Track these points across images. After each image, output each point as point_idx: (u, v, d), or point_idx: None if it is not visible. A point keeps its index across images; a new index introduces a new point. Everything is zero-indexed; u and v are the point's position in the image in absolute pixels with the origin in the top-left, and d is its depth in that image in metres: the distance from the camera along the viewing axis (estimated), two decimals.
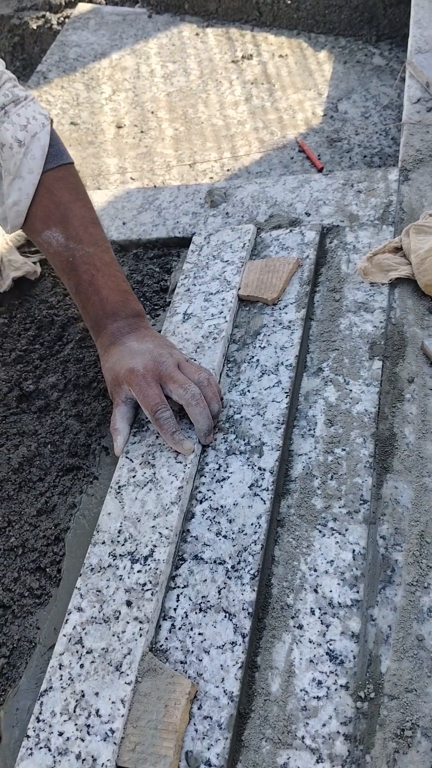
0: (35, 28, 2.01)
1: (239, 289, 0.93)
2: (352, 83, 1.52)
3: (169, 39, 1.78)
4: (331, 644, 0.62)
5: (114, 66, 1.72)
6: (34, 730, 0.63)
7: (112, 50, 1.78)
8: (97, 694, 0.63)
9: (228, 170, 1.39)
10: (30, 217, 0.89)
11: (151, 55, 1.73)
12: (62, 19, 2.00)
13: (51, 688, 0.65)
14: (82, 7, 1.98)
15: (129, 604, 0.67)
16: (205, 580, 0.68)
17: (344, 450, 0.74)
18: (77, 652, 0.66)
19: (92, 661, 0.65)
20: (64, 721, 0.62)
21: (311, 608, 0.64)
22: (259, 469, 0.74)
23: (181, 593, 0.68)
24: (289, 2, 1.70)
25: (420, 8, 1.33)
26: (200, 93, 1.59)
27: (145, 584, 0.68)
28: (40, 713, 0.63)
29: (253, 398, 0.81)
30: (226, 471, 0.76)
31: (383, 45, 1.63)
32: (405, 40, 1.56)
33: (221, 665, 0.62)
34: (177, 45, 1.75)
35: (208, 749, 0.58)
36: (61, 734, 0.62)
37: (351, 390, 0.79)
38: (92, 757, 0.59)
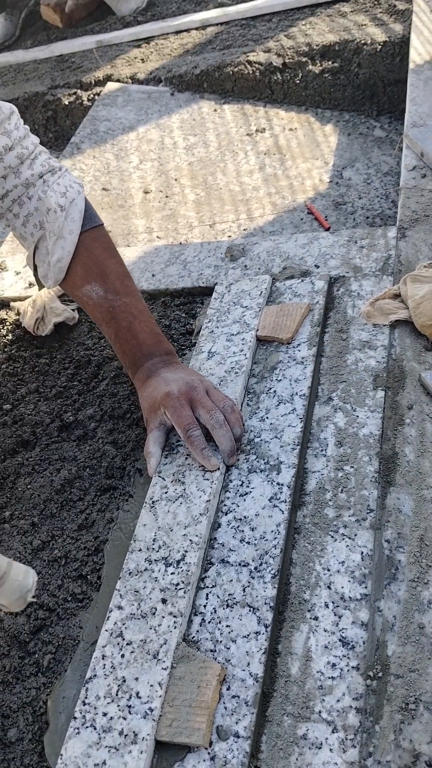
0: (67, 103, 2.21)
1: (257, 330, 1.05)
2: (356, 153, 1.68)
3: (190, 114, 1.97)
4: (343, 632, 0.70)
5: (141, 138, 1.91)
6: (81, 712, 0.71)
7: (139, 124, 1.97)
8: (137, 679, 0.71)
9: (244, 230, 1.53)
10: (71, 274, 1.00)
11: (174, 129, 1.92)
12: (92, 96, 2.20)
13: (95, 675, 0.73)
14: (111, 86, 2.19)
15: (164, 601, 0.76)
16: (231, 580, 0.77)
17: (352, 467, 0.84)
18: (118, 644, 0.74)
19: (132, 651, 0.73)
20: (108, 703, 0.70)
21: (325, 602, 0.73)
22: (278, 484, 0.84)
23: (210, 592, 0.77)
24: (298, 82, 1.88)
25: (415, 88, 1.49)
26: (218, 162, 1.75)
27: (178, 584, 0.77)
28: (86, 697, 0.71)
29: (271, 424, 0.92)
30: (248, 486, 0.86)
31: (383, 119, 1.80)
32: (403, 115, 1.73)
33: (247, 652, 0.70)
34: (197, 120, 1.94)
35: (237, 723, 0.66)
36: (105, 714, 0.70)
37: (358, 416, 0.89)
38: (134, 732, 0.67)
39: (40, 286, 1.06)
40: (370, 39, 1.80)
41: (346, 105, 1.85)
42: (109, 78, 2.22)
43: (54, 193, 0.97)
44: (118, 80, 2.21)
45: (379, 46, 1.77)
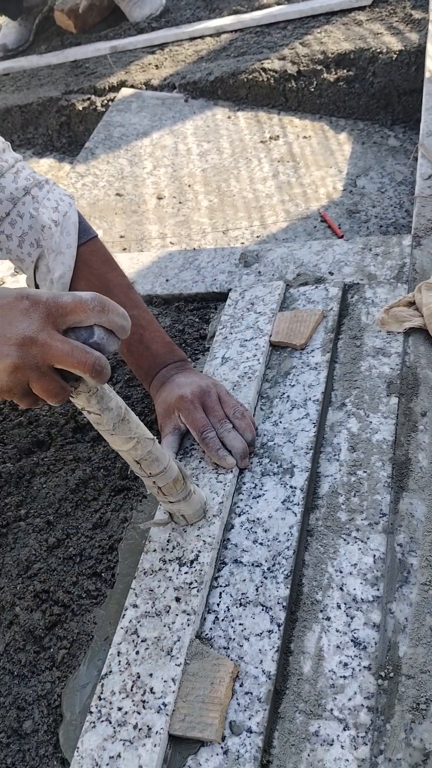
0: (81, 109, 2.23)
1: (271, 336, 1.07)
2: (370, 162, 1.70)
3: (204, 121, 1.99)
4: (355, 633, 0.71)
5: (154, 144, 1.93)
6: (96, 707, 0.72)
7: (153, 130, 1.99)
8: (151, 675, 0.72)
9: (257, 237, 1.55)
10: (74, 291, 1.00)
11: (187, 135, 1.94)
12: (106, 101, 2.23)
13: (110, 671, 0.74)
14: (125, 92, 2.21)
15: (178, 599, 0.78)
16: (244, 579, 0.78)
17: (365, 472, 0.85)
18: (133, 641, 0.76)
19: (146, 648, 0.75)
20: (123, 698, 0.72)
21: (338, 603, 0.74)
22: (291, 487, 0.85)
23: (223, 591, 0.78)
24: (312, 90, 1.90)
25: (430, 96, 1.51)
26: (232, 169, 1.77)
27: (191, 583, 0.78)
28: (101, 693, 0.73)
29: (284, 428, 0.93)
30: (261, 489, 0.87)
31: (397, 128, 1.81)
32: (417, 124, 1.75)
33: (259, 649, 0.72)
34: (211, 126, 1.96)
35: (249, 719, 0.67)
36: (120, 709, 0.71)
37: (371, 422, 0.91)
38: (147, 726, 0.69)
39: None
40: (386, 48, 1.82)
41: (360, 114, 1.87)
42: (123, 84, 2.24)
43: (45, 209, 0.94)
44: (132, 86, 2.23)
45: (395, 55, 1.79)
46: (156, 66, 2.29)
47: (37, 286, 1.01)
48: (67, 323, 0.60)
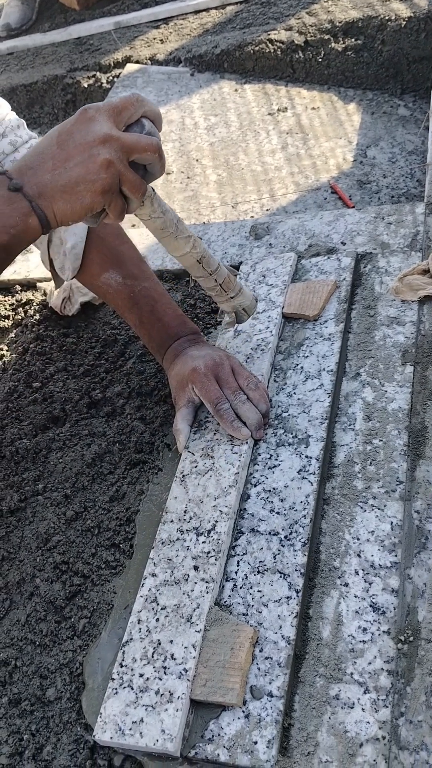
0: (86, 86, 2.21)
1: (283, 307, 1.06)
2: (380, 132, 1.67)
3: (210, 95, 1.96)
4: (374, 598, 0.72)
5: None
6: (118, 674, 0.73)
7: (159, 105, 1.96)
8: (171, 641, 0.73)
9: (267, 210, 1.53)
10: (87, 263, 0.99)
11: (194, 109, 1.91)
12: (111, 78, 2.20)
13: (131, 639, 0.75)
14: (131, 67, 2.18)
15: (196, 568, 0.78)
16: (262, 548, 0.79)
17: (381, 441, 0.85)
18: (153, 609, 0.77)
19: (166, 616, 0.75)
20: (144, 665, 0.73)
21: (355, 569, 0.74)
22: (306, 457, 0.85)
23: (241, 559, 0.79)
24: (320, 60, 1.87)
25: None
26: (240, 142, 1.75)
27: (209, 552, 0.79)
28: (123, 660, 0.74)
29: (298, 399, 0.93)
30: (276, 459, 0.87)
31: (407, 97, 1.78)
32: (428, 93, 1.72)
33: (278, 615, 0.72)
34: (218, 100, 1.93)
35: (270, 683, 0.68)
36: (141, 675, 0.72)
37: (386, 391, 0.90)
38: (169, 692, 0.70)
39: (58, 283, 1.05)
40: (395, 15, 1.78)
41: (369, 83, 1.83)
42: (128, 60, 2.22)
43: None
44: (137, 62, 2.20)
45: (404, 22, 1.75)
46: (161, 41, 2.26)
47: (50, 261, 1.01)
48: (123, 120, 0.69)
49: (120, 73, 2.18)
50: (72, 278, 1.01)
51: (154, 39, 2.27)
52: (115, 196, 0.70)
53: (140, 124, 0.71)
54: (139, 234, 1.36)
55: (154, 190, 0.76)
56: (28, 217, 0.67)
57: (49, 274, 1.33)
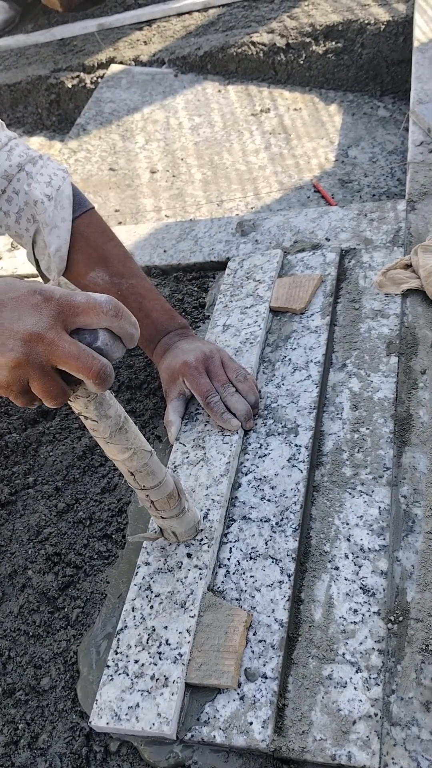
0: (70, 86, 2.22)
1: (270, 301, 1.08)
2: (360, 132, 1.70)
3: (194, 95, 1.98)
4: (363, 581, 0.73)
5: (146, 119, 1.92)
6: (113, 661, 0.74)
7: (144, 105, 1.98)
8: (166, 627, 0.74)
9: (252, 208, 1.55)
10: (72, 263, 0.99)
11: (178, 110, 1.93)
12: (95, 78, 2.21)
13: (126, 626, 0.76)
14: (115, 68, 2.20)
15: (189, 555, 0.79)
16: (254, 534, 0.80)
17: (368, 429, 0.87)
18: (147, 596, 0.77)
19: (160, 603, 0.76)
20: (139, 651, 0.73)
21: (345, 553, 0.76)
22: (296, 445, 0.87)
23: (233, 546, 0.80)
24: (301, 62, 1.90)
25: (420, 66, 1.51)
26: (224, 142, 1.77)
27: (201, 539, 0.80)
28: (118, 647, 0.75)
29: (287, 390, 0.94)
30: (266, 449, 0.89)
31: (387, 99, 1.82)
32: (406, 95, 1.75)
33: (271, 599, 0.74)
34: (202, 100, 1.95)
35: (264, 665, 0.69)
36: (136, 661, 0.73)
37: (372, 381, 0.92)
38: (164, 676, 0.70)
39: (46, 282, 1.04)
40: (374, 19, 1.81)
41: (350, 85, 1.87)
42: (111, 60, 2.23)
43: (38, 184, 0.95)
44: (121, 62, 2.21)
45: (383, 26, 1.79)
46: (144, 42, 2.27)
47: (36, 261, 1.02)
48: (77, 324, 0.56)
49: (104, 74, 2.19)
50: (58, 278, 1.02)
51: (138, 40, 2.28)
52: (23, 393, 0.59)
53: (93, 334, 0.57)
54: (126, 231, 1.37)
55: (103, 393, 0.63)
56: None
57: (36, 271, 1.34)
